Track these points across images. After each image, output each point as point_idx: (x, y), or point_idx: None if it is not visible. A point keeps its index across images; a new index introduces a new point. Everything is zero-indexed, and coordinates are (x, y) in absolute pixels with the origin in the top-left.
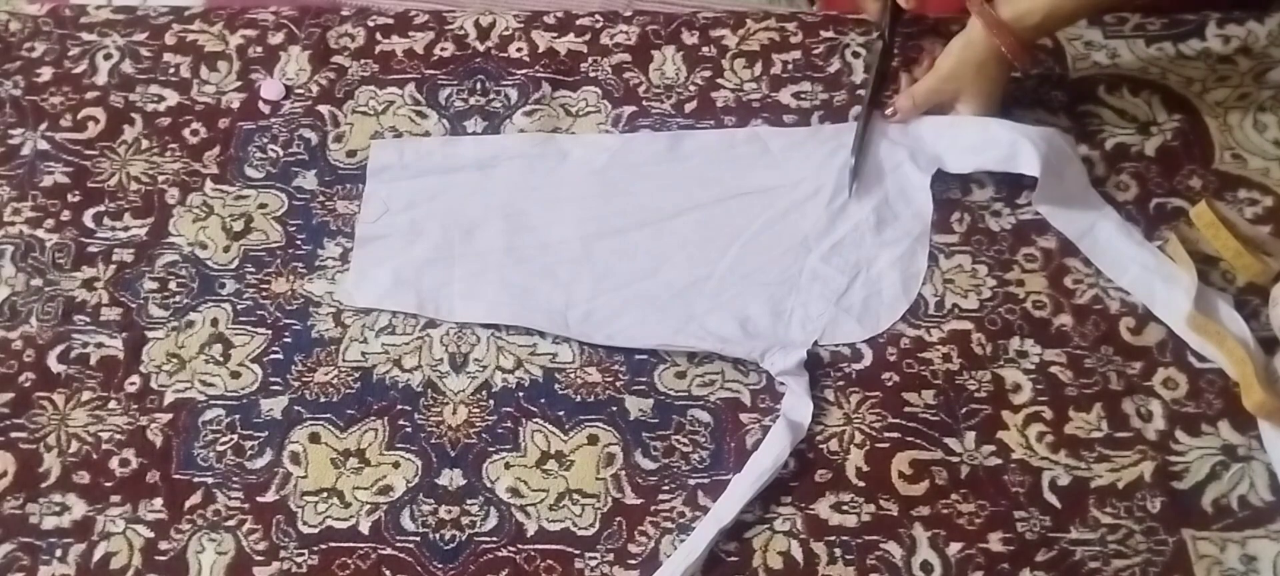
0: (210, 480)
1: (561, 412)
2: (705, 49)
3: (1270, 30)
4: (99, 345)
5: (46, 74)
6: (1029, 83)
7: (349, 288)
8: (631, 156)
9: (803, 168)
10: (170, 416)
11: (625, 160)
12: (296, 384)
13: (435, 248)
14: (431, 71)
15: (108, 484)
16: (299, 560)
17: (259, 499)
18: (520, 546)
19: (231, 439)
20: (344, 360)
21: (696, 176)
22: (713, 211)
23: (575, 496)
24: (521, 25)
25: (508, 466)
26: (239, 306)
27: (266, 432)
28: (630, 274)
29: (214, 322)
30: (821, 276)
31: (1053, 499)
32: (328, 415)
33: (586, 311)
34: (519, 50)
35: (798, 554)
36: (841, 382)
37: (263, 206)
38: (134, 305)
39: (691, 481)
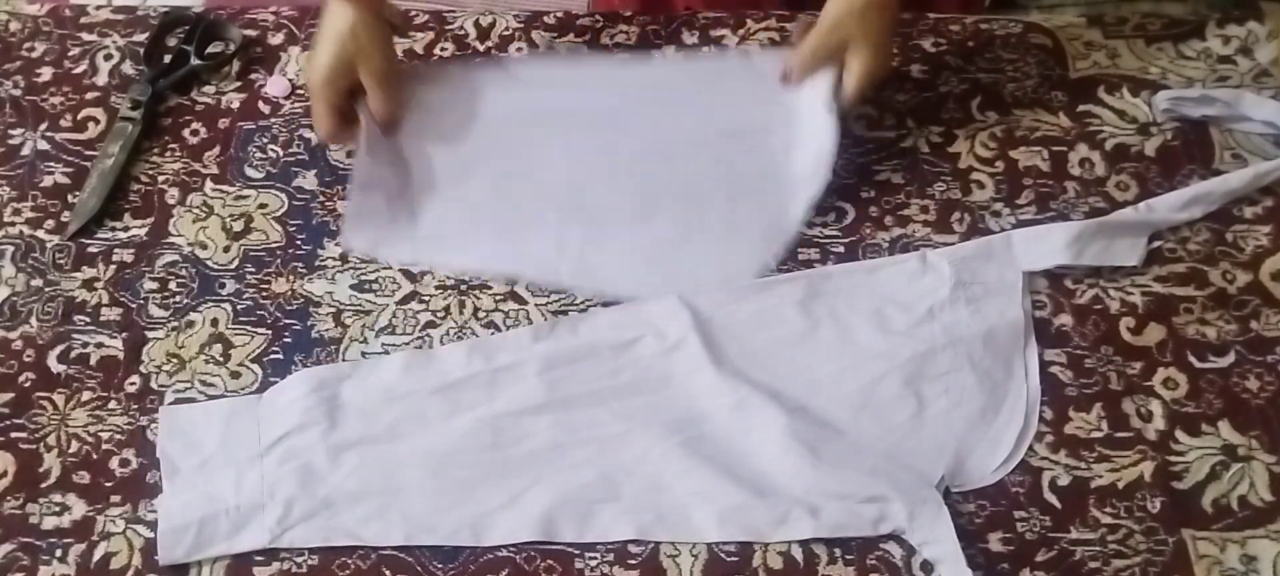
0: None
1: None
2: (705, 49)
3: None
4: (99, 345)
5: (46, 74)
6: (1029, 83)
7: (344, 236)
8: (621, 100)
9: (794, 107)
10: None
11: (615, 104)
12: None
13: (429, 198)
14: None
15: (108, 484)
16: (299, 560)
17: None
18: (520, 546)
19: None
20: (344, 360)
21: (687, 118)
22: (702, 156)
23: None
24: (521, 25)
25: None
26: (239, 306)
27: None
28: (621, 224)
29: (214, 323)
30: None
31: (1053, 499)
32: None
33: (578, 262)
34: (519, 50)
35: (798, 554)
36: None
37: (263, 206)
38: (134, 305)
39: None
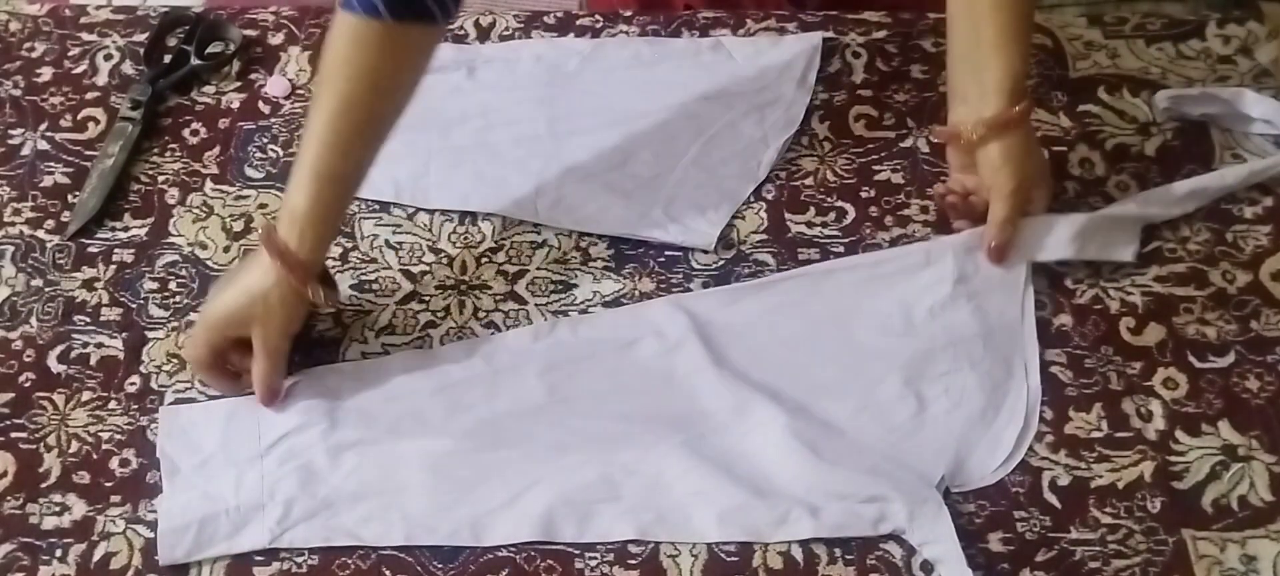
0: None
1: None
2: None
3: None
4: (99, 345)
5: (46, 74)
6: (1029, 83)
7: None
8: (601, 61)
9: (765, 75)
10: None
11: (595, 65)
12: None
13: (413, 142)
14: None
15: (108, 484)
16: (299, 560)
17: None
18: (520, 546)
19: None
20: (344, 360)
21: (663, 81)
22: (677, 113)
23: None
24: (521, 25)
25: None
26: None
27: None
28: (598, 166)
29: None
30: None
31: (1053, 499)
32: None
33: (556, 199)
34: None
35: (798, 554)
36: None
37: (263, 206)
38: (134, 305)
39: None
